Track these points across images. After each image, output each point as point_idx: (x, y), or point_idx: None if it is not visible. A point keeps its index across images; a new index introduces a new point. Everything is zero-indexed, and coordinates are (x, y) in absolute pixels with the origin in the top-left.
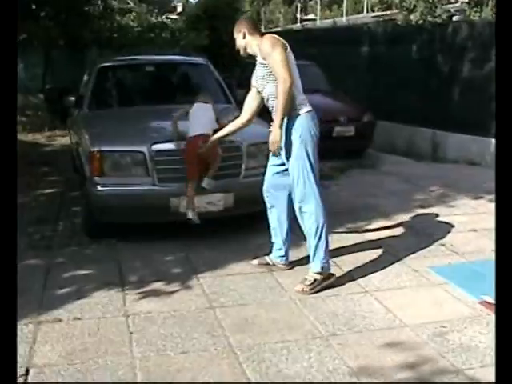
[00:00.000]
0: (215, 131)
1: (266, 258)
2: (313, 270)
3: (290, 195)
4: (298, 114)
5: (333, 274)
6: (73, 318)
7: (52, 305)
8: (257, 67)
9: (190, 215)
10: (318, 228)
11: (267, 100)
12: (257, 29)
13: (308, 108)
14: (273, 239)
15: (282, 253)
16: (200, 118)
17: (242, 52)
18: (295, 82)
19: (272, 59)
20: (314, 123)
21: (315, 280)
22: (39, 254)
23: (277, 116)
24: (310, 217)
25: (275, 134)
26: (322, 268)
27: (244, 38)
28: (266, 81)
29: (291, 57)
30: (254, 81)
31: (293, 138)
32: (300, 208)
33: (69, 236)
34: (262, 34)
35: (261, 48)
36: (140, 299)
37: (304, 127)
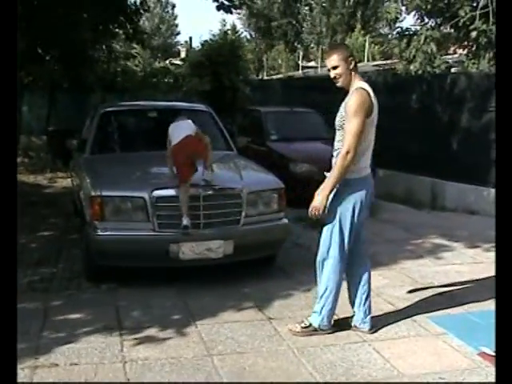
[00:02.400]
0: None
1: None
2: (312, 320)
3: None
4: (347, 179)
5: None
6: (70, 363)
7: (49, 349)
8: (342, 104)
9: (185, 222)
10: (326, 290)
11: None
12: (357, 67)
13: (359, 174)
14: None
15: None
16: (181, 126)
17: (340, 83)
18: (362, 150)
19: (349, 124)
20: (362, 190)
21: (310, 325)
22: (37, 297)
23: (327, 184)
24: (323, 276)
25: (321, 201)
26: (319, 326)
27: (352, 70)
28: (340, 126)
29: (374, 115)
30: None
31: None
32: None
33: (68, 279)
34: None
35: (347, 101)
36: (138, 345)
37: (352, 191)
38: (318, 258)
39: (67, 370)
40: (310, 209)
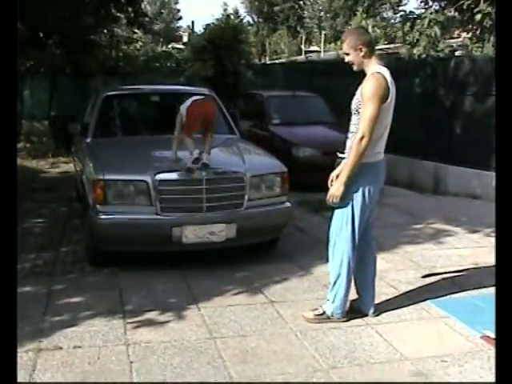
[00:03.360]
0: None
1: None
2: (325, 308)
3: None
4: (365, 163)
5: (344, 319)
6: (73, 346)
7: (52, 332)
8: (359, 88)
9: (194, 155)
10: (338, 277)
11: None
12: (374, 48)
13: (373, 159)
14: None
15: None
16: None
17: (356, 68)
18: (377, 136)
19: (364, 109)
20: (374, 175)
21: (324, 313)
22: (41, 281)
23: (344, 171)
24: (335, 262)
25: (338, 188)
26: (332, 314)
27: (364, 56)
28: (355, 110)
29: (391, 100)
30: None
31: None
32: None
33: (71, 263)
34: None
35: (364, 85)
36: (140, 328)
37: (365, 176)
38: (330, 244)
39: (70, 352)
40: (328, 196)
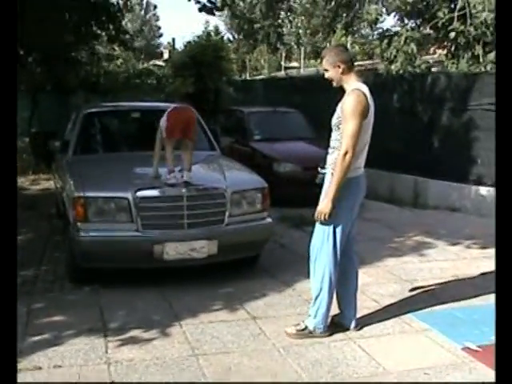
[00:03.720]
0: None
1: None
2: (307, 323)
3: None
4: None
5: (325, 333)
6: (53, 365)
7: (32, 352)
8: (339, 104)
9: (171, 180)
10: (320, 291)
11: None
12: (353, 64)
13: (353, 174)
14: None
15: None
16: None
17: (335, 84)
18: (358, 151)
19: (346, 125)
20: (354, 189)
21: (306, 328)
22: (20, 300)
23: (331, 188)
24: (316, 276)
25: (326, 205)
26: (314, 329)
27: (343, 73)
28: (336, 125)
29: (370, 116)
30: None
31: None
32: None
33: (51, 281)
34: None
35: (344, 102)
36: (122, 346)
37: (344, 191)
38: (311, 259)
39: (51, 372)
40: (317, 213)
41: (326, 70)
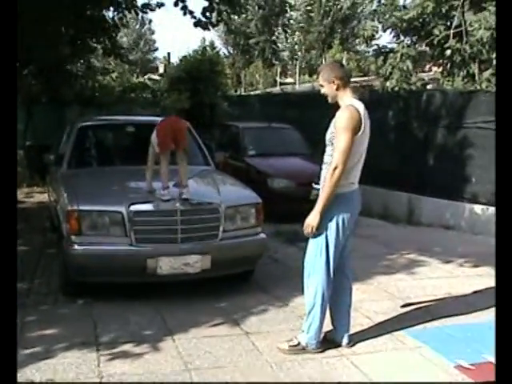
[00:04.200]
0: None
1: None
2: (300, 338)
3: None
4: (337, 193)
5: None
6: (46, 379)
7: (24, 365)
8: (333, 120)
9: (166, 196)
10: (313, 307)
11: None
12: (349, 81)
13: (347, 189)
14: None
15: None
16: None
17: (330, 100)
18: (350, 166)
19: (338, 140)
20: (346, 205)
21: (299, 343)
22: None
23: (320, 201)
24: (309, 292)
25: (314, 218)
26: (307, 345)
27: (337, 89)
28: (329, 141)
29: (364, 132)
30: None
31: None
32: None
33: (44, 294)
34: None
35: (337, 118)
36: (114, 360)
37: (337, 206)
38: (305, 274)
39: None
40: (305, 226)
41: (322, 86)
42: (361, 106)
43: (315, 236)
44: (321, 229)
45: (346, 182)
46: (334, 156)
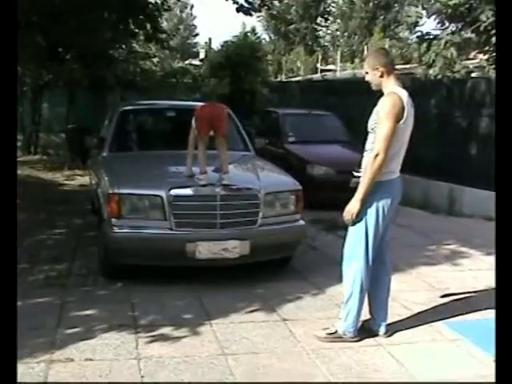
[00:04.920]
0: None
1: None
2: (338, 326)
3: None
4: (378, 181)
5: (355, 338)
6: (85, 358)
7: (64, 344)
8: (375, 108)
9: (203, 180)
10: (351, 295)
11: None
12: (393, 68)
13: (387, 177)
14: None
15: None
16: None
17: (374, 88)
18: (392, 154)
19: (380, 127)
20: (387, 193)
21: (336, 331)
22: (54, 293)
23: (360, 189)
24: (348, 280)
25: (354, 205)
26: (344, 333)
27: (381, 76)
28: (371, 129)
29: (407, 120)
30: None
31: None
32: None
33: (84, 275)
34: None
35: (379, 105)
36: (152, 343)
37: (377, 194)
38: (343, 261)
39: (82, 365)
40: (344, 213)
41: (367, 73)
42: (404, 94)
43: (355, 223)
44: (361, 216)
45: (387, 170)
46: (375, 144)
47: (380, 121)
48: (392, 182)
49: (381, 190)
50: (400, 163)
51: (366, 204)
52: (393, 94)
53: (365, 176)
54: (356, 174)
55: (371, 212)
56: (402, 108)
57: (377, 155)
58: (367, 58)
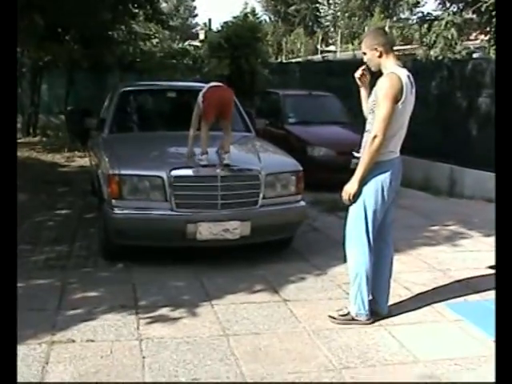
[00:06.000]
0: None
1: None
2: (350, 308)
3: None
4: (377, 161)
5: (368, 321)
6: (86, 339)
7: (66, 325)
8: (375, 87)
9: (204, 161)
10: (356, 276)
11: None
12: (392, 48)
13: (386, 158)
14: None
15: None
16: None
17: (373, 68)
18: (391, 135)
19: (378, 108)
20: (386, 173)
21: (348, 313)
22: (55, 274)
23: (359, 170)
24: (351, 261)
25: (352, 185)
26: (356, 315)
27: (380, 56)
28: (371, 110)
29: (406, 100)
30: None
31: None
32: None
33: (84, 257)
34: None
35: (377, 85)
36: (154, 324)
37: (376, 174)
38: (346, 244)
39: (83, 346)
40: (343, 193)
41: (364, 54)
42: (404, 74)
43: (353, 203)
44: (360, 197)
45: (386, 151)
46: (374, 125)
47: (378, 102)
48: (391, 162)
49: (380, 170)
50: (400, 143)
51: (364, 184)
52: (392, 74)
53: (363, 157)
54: (356, 154)
55: (370, 192)
56: (401, 88)
57: (375, 137)
58: (365, 38)
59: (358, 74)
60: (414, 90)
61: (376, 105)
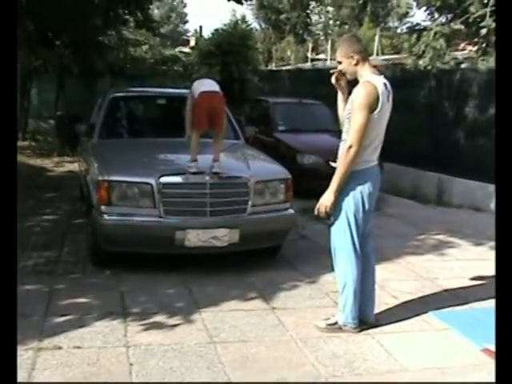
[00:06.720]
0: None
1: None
2: (338, 317)
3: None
4: (353, 170)
5: (356, 329)
6: (73, 346)
7: (53, 332)
8: (351, 96)
9: (193, 168)
10: (345, 285)
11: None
12: (367, 56)
13: (362, 167)
14: None
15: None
16: (207, 82)
17: (349, 77)
18: (367, 144)
19: (353, 118)
20: (363, 182)
21: (336, 322)
22: (42, 280)
23: (334, 181)
24: (339, 271)
25: (328, 198)
26: (344, 324)
27: (357, 64)
28: (346, 118)
29: (383, 109)
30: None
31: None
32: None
33: (73, 263)
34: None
35: (353, 95)
36: (141, 331)
37: (353, 183)
38: (333, 253)
39: (70, 352)
40: (318, 205)
41: (340, 63)
42: (380, 82)
43: (330, 216)
44: (341, 209)
45: (362, 160)
46: (349, 135)
47: (353, 111)
48: (369, 171)
49: (358, 180)
50: (377, 151)
51: (343, 194)
52: (367, 83)
53: (338, 168)
54: (332, 164)
55: (349, 201)
56: (377, 98)
57: (350, 147)
58: (340, 46)
59: (333, 80)
60: (391, 98)
61: (351, 114)
